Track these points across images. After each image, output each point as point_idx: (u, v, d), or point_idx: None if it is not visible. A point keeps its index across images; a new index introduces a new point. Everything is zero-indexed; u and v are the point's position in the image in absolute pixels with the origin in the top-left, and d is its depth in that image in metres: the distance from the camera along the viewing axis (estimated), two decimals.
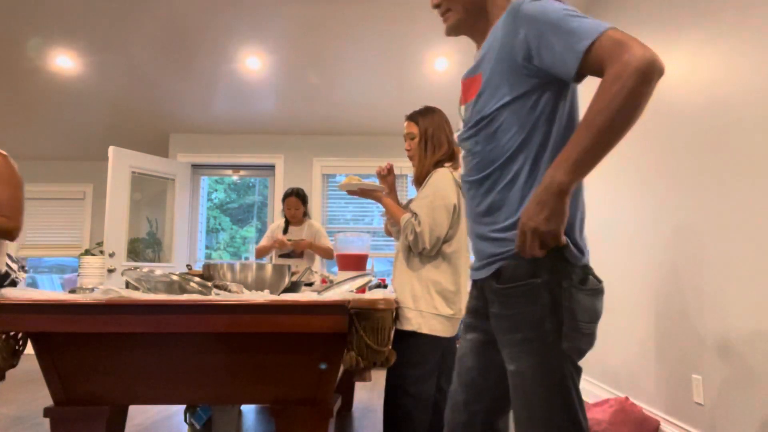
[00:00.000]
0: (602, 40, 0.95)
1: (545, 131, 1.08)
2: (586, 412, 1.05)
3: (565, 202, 0.98)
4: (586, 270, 1.06)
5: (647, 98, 0.93)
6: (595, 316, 1.07)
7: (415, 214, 1.95)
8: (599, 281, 1.08)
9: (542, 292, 1.03)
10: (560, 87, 1.09)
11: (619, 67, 0.92)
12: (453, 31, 1.27)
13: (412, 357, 1.91)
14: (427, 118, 2.09)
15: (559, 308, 1.02)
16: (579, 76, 1.00)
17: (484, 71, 1.14)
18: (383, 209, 2.16)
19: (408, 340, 1.92)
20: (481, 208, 1.15)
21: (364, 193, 2.15)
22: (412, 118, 2.11)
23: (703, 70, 2.43)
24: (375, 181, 2.20)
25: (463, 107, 1.23)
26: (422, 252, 1.96)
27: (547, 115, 1.08)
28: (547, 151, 1.09)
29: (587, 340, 1.05)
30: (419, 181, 2.07)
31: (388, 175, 2.19)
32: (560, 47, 1.00)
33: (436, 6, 1.26)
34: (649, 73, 0.91)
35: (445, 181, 1.97)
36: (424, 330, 1.90)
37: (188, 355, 1.61)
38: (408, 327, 1.92)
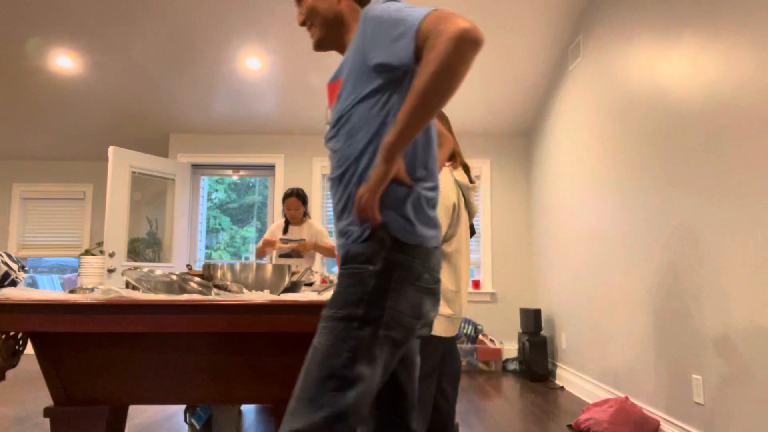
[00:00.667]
0: (428, 18, 1.03)
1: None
2: (363, 410, 1.03)
3: (390, 161, 1.05)
4: (426, 268, 1.10)
5: (462, 63, 0.98)
6: (419, 313, 1.10)
7: None
8: (435, 282, 1.12)
9: (369, 279, 1.07)
10: (408, 87, 1.14)
11: (434, 35, 1.00)
12: (319, 46, 1.34)
13: None
14: None
15: (382, 297, 1.05)
16: (417, 58, 1.06)
17: (344, 75, 1.21)
18: None
19: None
20: (340, 204, 1.19)
21: None
22: None
23: (703, 70, 2.43)
24: None
25: (329, 111, 1.29)
26: None
27: (395, 113, 1.13)
28: None
29: (404, 333, 1.08)
30: None
31: None
32: (398, 36, 1.07)
33: (302, 24, 1.34)
34: (461, 40, 0.97)
35: (445, 181, 1.97)
36: None
37: (188, 355, 1.61)
38: None
